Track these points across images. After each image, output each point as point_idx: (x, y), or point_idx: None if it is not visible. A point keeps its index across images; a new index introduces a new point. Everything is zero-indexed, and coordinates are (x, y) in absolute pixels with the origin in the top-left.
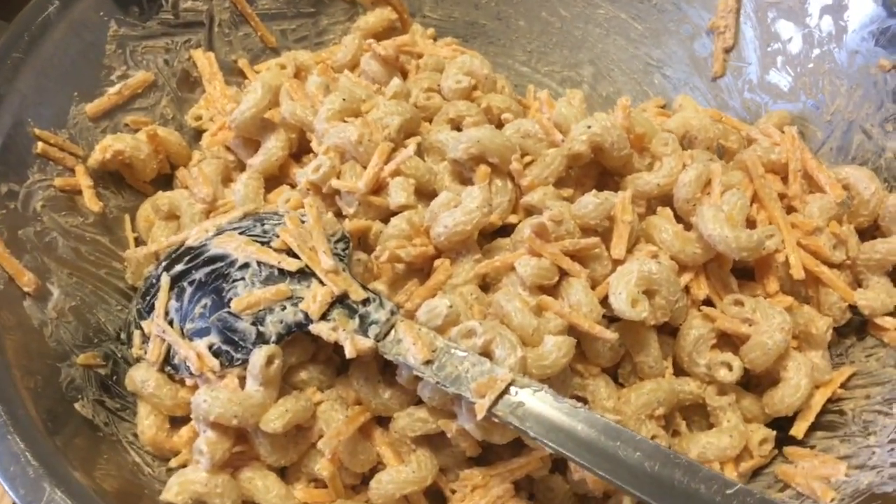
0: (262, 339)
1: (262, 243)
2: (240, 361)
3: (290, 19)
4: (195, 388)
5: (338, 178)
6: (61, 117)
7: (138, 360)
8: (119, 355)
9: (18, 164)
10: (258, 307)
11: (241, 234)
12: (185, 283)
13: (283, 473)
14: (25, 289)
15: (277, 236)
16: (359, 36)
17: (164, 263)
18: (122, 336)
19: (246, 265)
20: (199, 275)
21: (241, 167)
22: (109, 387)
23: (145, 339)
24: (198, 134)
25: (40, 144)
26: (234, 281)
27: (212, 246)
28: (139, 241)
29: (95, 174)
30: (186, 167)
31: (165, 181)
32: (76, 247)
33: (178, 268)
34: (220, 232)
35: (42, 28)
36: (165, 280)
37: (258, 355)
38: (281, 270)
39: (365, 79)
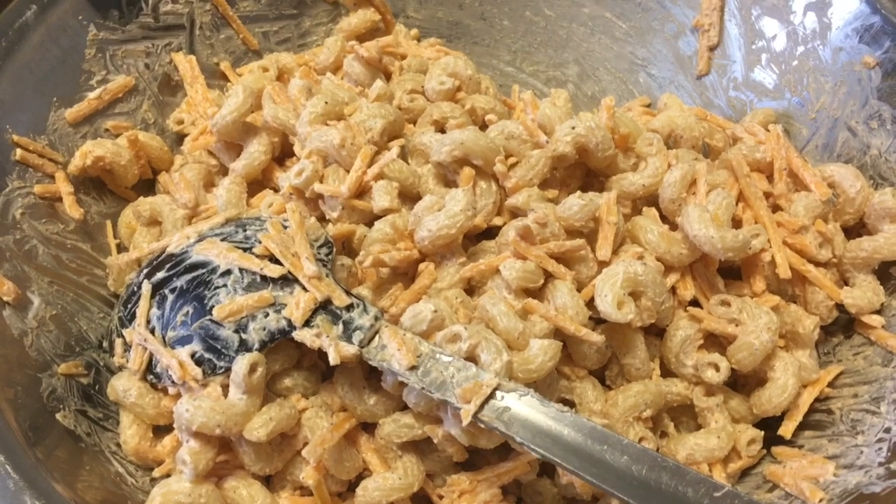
0: (244, 346)
1: (245, 249)
2: (222, 369)
3: (272, 21)
4: (178, 396)
5: (321, 181)
6: (40, 123)
7: (120, 368)
8: (101, 364)
9: None
10: (240, 314)
11: (222, 240)
12: (167, 291)
13: (268, 482)
14: (5, 298)
15: (259, 242)
16: (341, 38)
17: (145, 270)
18: (104, 344)
19: (228, 272)
20: (180, 282)
21: (224, 171)
22: (91, 396)
23: (127, 347)
24: (180, 138)
25: (19, 151)
26: (216, 288)
27: (193, 252)
28: (121, 248)
29: (76, 180)
30: (168, 172)
31: (147, 186)
32: (57, 254)
33: (160, 275)
34: (201, 238)
35: (20, 33)
36: (146, 287)
37: (241, 363)
38: (263, 277)
39: (348, 81)
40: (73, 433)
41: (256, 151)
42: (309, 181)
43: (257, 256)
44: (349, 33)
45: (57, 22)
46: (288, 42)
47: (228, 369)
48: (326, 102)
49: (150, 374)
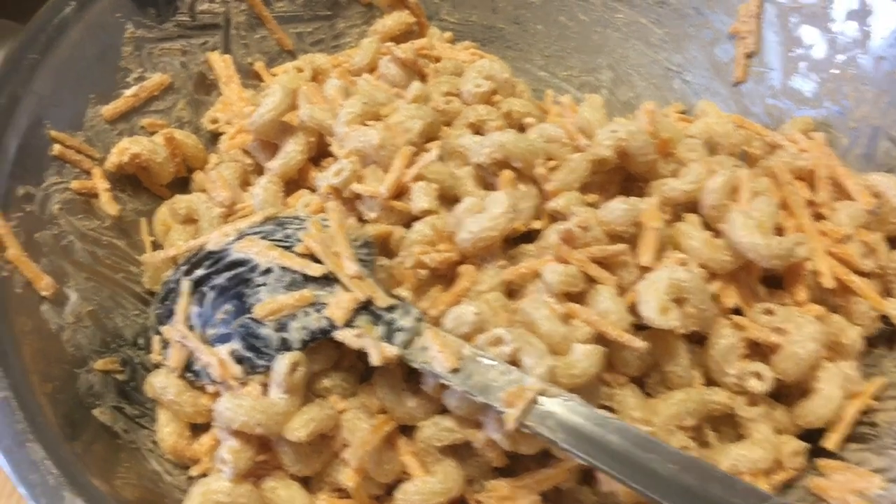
0: (285, 345)
1: (285, 248)
2: (262, 368)
3: (306, 22)
4: (216, 395)
5: (359, 182)
6: (78, 119)
7: (157, 366)
8: (138, 361)
9: (35, 166)
10: (281, 313)
11: (262, 238)
12: (206, 289)
13: (306, 483)
14: (43, 293)
15: (300, 241)
16: (376, 39)
17: (183, 268)
18: (141, 341)
19: (268, 270)
20: (220, 280)
21: (259, 171)
22: (128, 393)
23: (165, 344)
24: (214, 137)
25: (57, 146)
26: (257, 286)
27: (233, 250)
28: (156, 246)
29: (112, 177)
30: (203, 170)
31: (182, 184)
32: (93, 250)
33: (199, 272)
34: (240, 236)
35: (58, 29)
36: (186, 285)
37: (282, 362)
38: (304, 276)
39: (383, 82)
40: (109, 430)
41: (293, 151)
42: (347, 181)
43: (298, 255)
44: (384, 35)
45: (95, 19)
46: (322, 43)
47: (268, 368)
48: (364, 103)
49: (189, 371)
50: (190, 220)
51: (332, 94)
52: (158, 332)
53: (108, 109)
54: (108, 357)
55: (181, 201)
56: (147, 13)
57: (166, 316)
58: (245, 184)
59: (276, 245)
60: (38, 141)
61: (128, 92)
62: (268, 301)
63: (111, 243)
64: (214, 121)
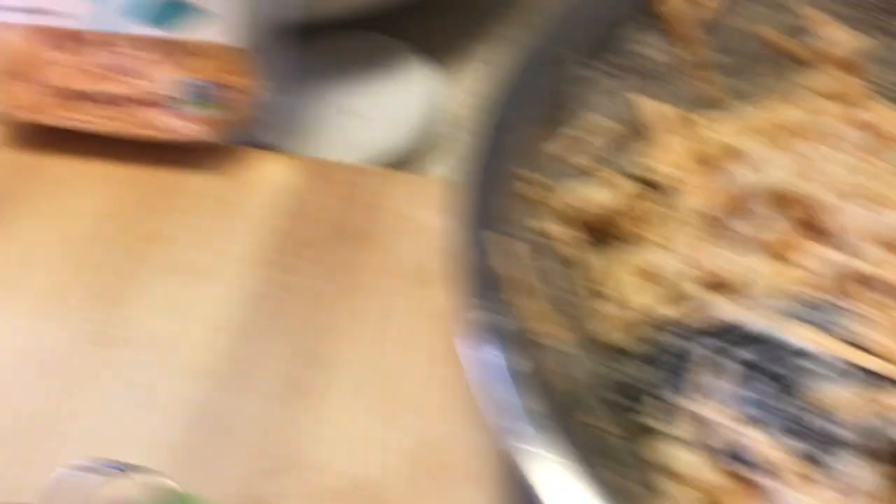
0: (849, 447)
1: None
2: (824, 468)
3: (736, 74)
4: (748, 482)
5: (872, 268)
6: (530, 158)
7: (652, 430)
8: (619, 419)
9: (500, 205)
10: (849, 411)
11: (789, 317)
12: (727, 362)
13: None
14: (536, 339)
15: (842, 328)
16: (821, 98)
17: (689, 335)
18: (614, 398)
19: (815, 356)
20: (748, 355)
21: (724, 234)
22: (613, 452)
23: (662, 409)
24: (649, 187)
25: (520, 185)
26: (805, 371)
27: (761, 326)
28: (613, 298)
29: (565, 220)
30: (649, 224)
31: (629, 237)
32: (558, 295)
33: (713, 342)
34: (758, 309)
35: (514, 65)
36: (702, 354)
37: (865, 471)
38: (863, 371)
39: (835, 148)
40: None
41: (779, 222)
42: (859, 267)
43: (852, 347)
44: (826, 94)
45: (541, 56)
46: (749, 96)
47: (823, 465)
48: (862, 175)
49: (709, 449)
50: (652, 276)
51: (815, 159)
52: (653, 395)
53: (552, 147)
54: (586, 410)
55: (642, 255)
56: (587, 52)
57: (669, 381)
58: (703, 245)
59: (815, 329)
60: (499, 178)
61: (569, 131)
62: (831, 393)
63: (571, 290)
64: (658, 172)
